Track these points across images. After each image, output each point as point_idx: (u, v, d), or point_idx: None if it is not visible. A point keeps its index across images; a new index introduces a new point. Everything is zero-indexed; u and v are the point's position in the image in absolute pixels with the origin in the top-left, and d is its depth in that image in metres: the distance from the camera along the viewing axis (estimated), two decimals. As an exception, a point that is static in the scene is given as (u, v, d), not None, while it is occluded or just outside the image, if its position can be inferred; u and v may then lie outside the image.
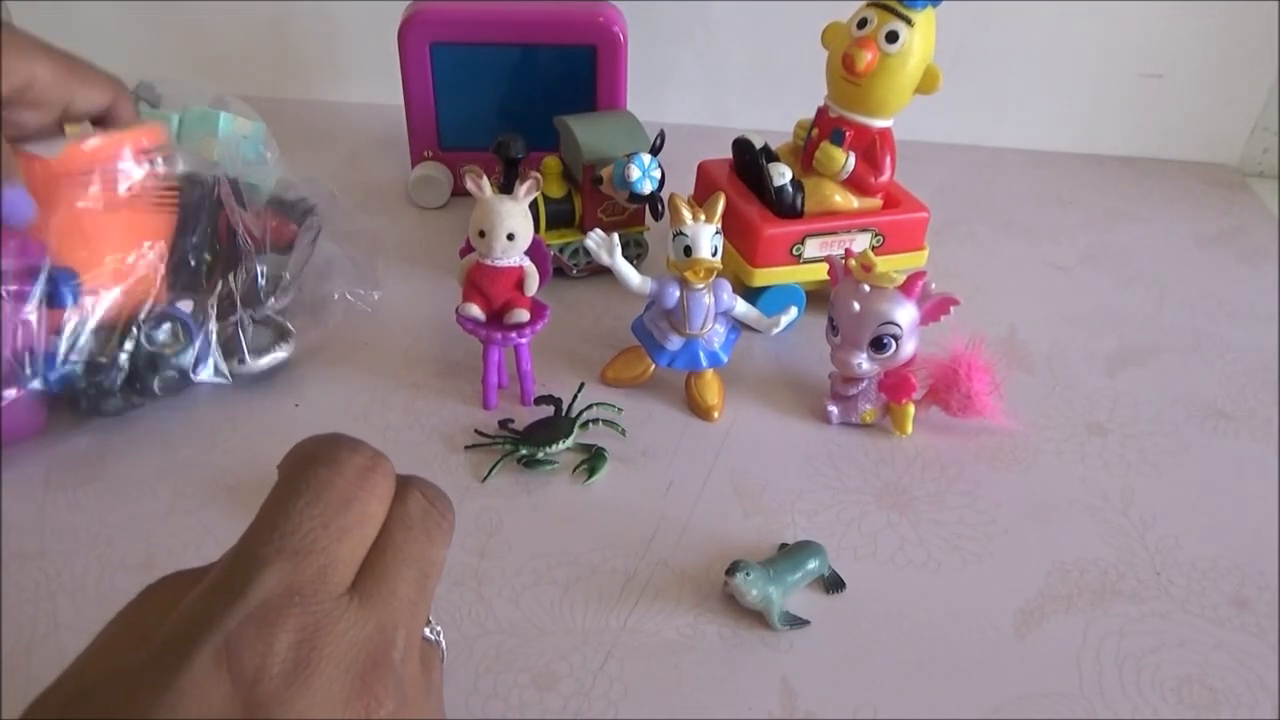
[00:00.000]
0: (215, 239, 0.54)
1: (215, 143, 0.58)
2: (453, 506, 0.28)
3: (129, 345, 0.48)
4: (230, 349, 0.52)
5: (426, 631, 0.28)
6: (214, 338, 0.51)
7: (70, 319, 0.46)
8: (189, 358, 0.50)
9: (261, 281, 0.54)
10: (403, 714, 0.24)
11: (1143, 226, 0.78)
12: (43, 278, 0.45)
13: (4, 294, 0.44)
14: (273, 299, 0.54)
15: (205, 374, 0.51)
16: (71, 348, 0.47)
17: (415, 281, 0.64)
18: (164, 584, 0.25)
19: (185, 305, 0.51)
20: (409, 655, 0.25)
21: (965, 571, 0.45)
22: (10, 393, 0.45)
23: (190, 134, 0.59)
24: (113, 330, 0.48)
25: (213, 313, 0.51)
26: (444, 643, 0.30)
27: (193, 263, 0.53)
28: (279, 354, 0.54)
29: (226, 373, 0.51)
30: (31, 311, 0.45)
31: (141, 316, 0.49)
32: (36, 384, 0.46)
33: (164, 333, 0.49)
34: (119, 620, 0.25)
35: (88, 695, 0.22)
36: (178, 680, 0.21)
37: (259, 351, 0.53)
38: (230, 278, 0.53)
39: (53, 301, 0.46)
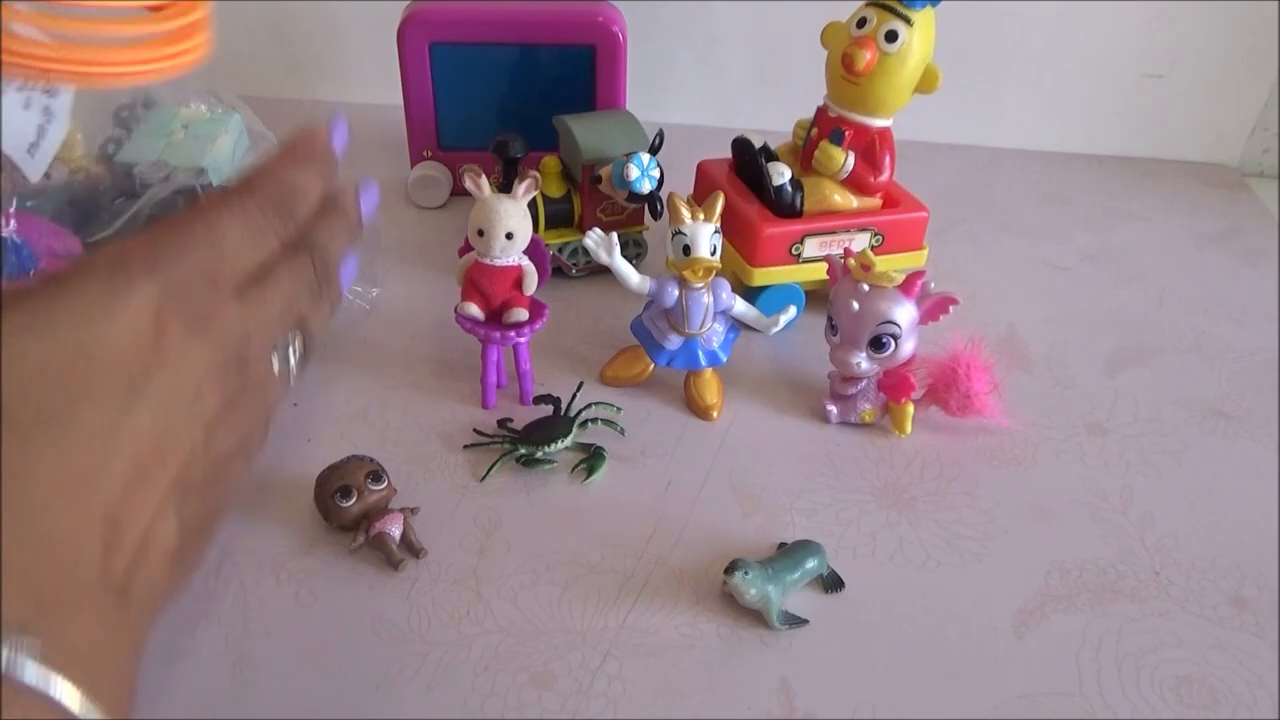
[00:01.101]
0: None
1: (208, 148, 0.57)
2: (341, 288, 0.34)
3: None
4: None
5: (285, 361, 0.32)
6: None
7: None
8: None
9: None
10: (233, 412, 0.28)
11: (1143, 226, 0.78)
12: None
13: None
14: None
15: None
16: None
17: (414, 281, 0.64)
18: None
19: None
20: (256, 364, 0.30)
21: (965, 571, 0.45)
22: None
23: (187, 142, 0.58)
24: None
25: None
26: (294, 372, 0.32)
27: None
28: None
29: None
30: None
31: None
32: None
33: None
34: None
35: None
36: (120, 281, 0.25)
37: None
38: None
39: None
